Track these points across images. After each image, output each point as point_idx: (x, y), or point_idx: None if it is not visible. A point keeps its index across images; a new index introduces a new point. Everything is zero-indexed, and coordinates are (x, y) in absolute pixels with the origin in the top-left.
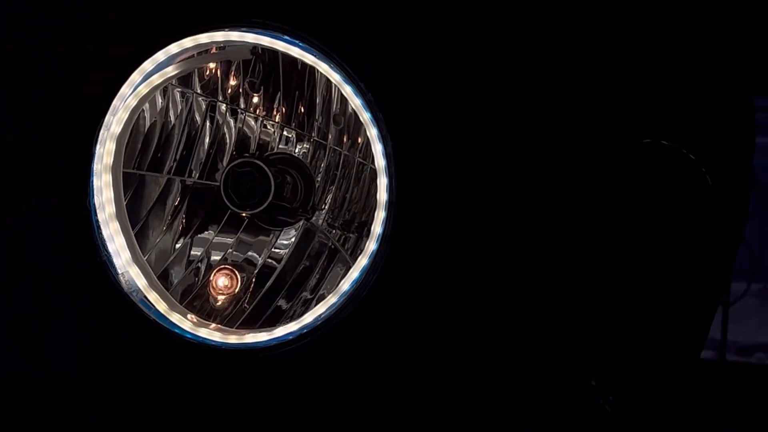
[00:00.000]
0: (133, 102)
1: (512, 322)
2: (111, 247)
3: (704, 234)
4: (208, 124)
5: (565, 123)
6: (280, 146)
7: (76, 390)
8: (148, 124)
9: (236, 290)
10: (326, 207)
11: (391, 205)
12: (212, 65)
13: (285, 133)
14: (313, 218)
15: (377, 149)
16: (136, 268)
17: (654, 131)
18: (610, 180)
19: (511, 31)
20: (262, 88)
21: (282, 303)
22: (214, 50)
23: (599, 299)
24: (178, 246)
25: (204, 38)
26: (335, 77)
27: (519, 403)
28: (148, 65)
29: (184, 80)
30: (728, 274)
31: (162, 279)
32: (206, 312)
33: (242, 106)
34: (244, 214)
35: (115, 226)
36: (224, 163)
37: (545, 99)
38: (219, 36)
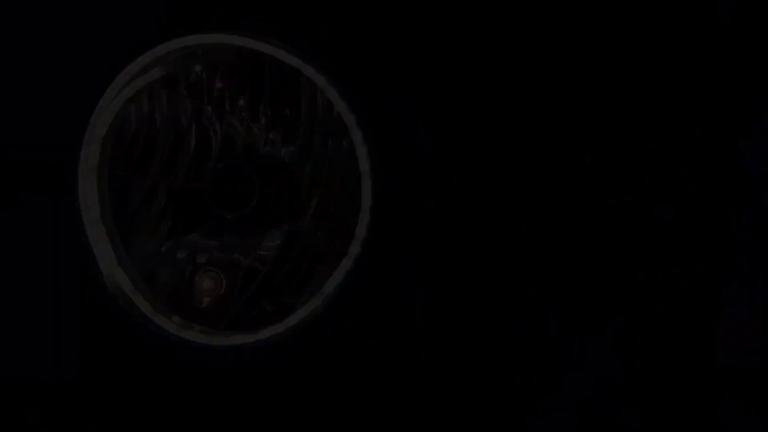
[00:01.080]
0: (118, 104)
1: (512, 322)
2: (96, 249)
3: (691, 236)
4: (194, 126)
5: (561, 123)
6: (266, 149)
7: (65, 391)
8: (133, 126)
9: (222, 292)
10: (311, 210)
11: (375, 209)
12: (198, 68)
13: (270, 136)
14: (299, 221)
15: (362, 153)
16: (122, 270)
17: (649, 132)
18: (606, 180)
19: (502, 30)
20: (248, 91)
21: (267, 305)
22: (200, 53)
23: (599, 299)
24: (163, 248)
25: (190, 41)
26: (320, 81)
27: (518, 403)
28: (133, 67)
29: (170, 83)
30: (720, 276)
31: (147, 281)
32: (192, 314)
33: (228, 108)
34: (229, 217)
35: (101, 228)
36: (210, 166)
37: (539, 99)
38: (205, 39)
